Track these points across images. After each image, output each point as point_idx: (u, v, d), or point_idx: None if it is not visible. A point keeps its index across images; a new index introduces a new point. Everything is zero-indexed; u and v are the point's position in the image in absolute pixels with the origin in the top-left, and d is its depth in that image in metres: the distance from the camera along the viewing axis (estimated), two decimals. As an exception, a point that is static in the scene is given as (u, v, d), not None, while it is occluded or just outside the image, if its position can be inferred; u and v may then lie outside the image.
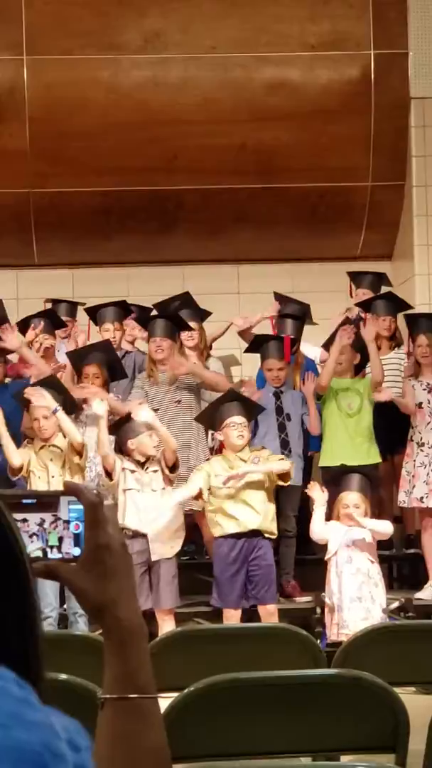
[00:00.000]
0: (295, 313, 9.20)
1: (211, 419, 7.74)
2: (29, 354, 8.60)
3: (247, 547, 7.38)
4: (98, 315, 9.12)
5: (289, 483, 7.59)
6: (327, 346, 8.70)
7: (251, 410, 7.76)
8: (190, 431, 8.14)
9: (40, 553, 1.45)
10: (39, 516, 1.46)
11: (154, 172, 10.63)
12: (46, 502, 1.46)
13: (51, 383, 7.78)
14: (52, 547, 1.45)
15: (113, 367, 8.46)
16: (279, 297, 9.58)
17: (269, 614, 7.36)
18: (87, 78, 10.56)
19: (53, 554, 1.45)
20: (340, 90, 10.71)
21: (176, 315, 8.74)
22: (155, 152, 10.57)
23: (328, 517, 7.46)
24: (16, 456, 7.44)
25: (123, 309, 9.26)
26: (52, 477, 7.40)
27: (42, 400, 7.43)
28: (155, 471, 7.41)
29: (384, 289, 9.78)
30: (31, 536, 1.47)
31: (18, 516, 1.45)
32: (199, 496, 7.45)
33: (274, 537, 7.55)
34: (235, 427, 7.48)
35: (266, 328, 9.23)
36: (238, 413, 7.54)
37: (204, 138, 10.56)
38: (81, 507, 1.43)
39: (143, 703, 1.36)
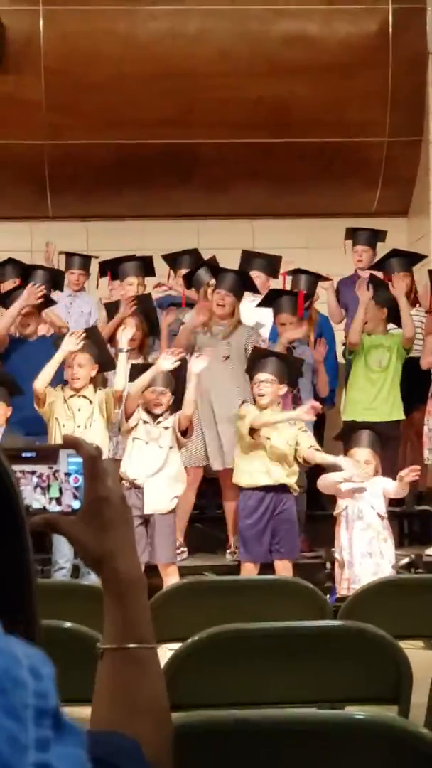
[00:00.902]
0: (264, 267, 9.16)
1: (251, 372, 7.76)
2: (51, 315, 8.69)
3: (275, 501, 7.41)
4: (120, 269, 9.07)
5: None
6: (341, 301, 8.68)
7: (289, 367, 7.65)
8: (233, 388, 8.09)
9: (39, 506, 1.47)
10: (39, 468, 1.48)
11: (170, 125, 10.59)
12: (46, 455, 1.48)
13: (91, 335, 7.72)
14: (51, 499, 1.47)
15: (151, 320, 8.48)
16: (246, 254, 9.44)
17: (285, 569, 7.40)
18: (103, 29, 10.51)
19: (53, 506, 1.47)
20: (358, 44, 10.64)
21: (246, 273, 8.63)
22: (171, 105, 10.53)
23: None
24: (42, 381, 7.32)
25: (146, 265, 9.20)
26: (78, 427, 7.35)
27: (72, 346, 7.40)
28: (166, 428, 7.38)
29: (380, 246, 9.69)
30: (35, 488, 1.49)
31: (20, 467, 1.48)
32: (253, 431, 7.39)
33: (296, 493, 7.59)
34: (258, 384, 7.47)
35: (278, 285, 9.21)
36: (263, 370, 7.50)
37: (220, 91, 10.51)
38: (80, 460, 1.45)
39: (142, 653, 1.38)
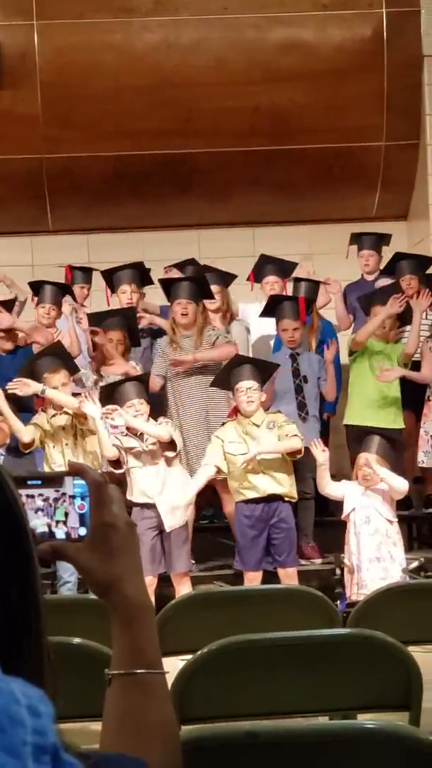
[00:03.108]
0: (281, 274, 9.19)
1: (225, 383, 7.72)
2: (24, 326, 8.66)
3: (267, 510, 7.41)
4: (115, 277, 9.05)
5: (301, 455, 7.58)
6: (366, 308, 8.64)
7: (264, 371, 7.66)
8: (211, 397, 8.12)
9: (45, 529, 1.48)
10: (44, 492, 1.49)
11: (168, 135, 10.61)
12: (51, 482, 1.49)
13: (56, 351, 7.76)
14: (57, 522, 1.49)
15: (132, 334, 8.46)
16: (264, 258, 9.47)
17: (289, 577, 7.40)
18: (98, 42, 10.53)
19: (59, 529, 1.49)
20: (353, 49, 10.66)
21: (202, 278, 8.64)
22: (168, 115, 10.55)
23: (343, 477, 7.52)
24: (24, 433, 7.37)
25: (141, 272, 9.19)
26: (66, 445, 7.40)
27: (27, 389, 7.41)
28: (154, 443, 7.38)
29: (385, 250, 9.70)
30: (36, 511, 1.50)
31: (24, 492, 1.49)
32: (217, 473, 7.44)
33: (294, 500, 7.56)
34: (244, 392, 7.44)
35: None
36: (247, 377, 7.47)
37: (217, 100, 10.53)
38: (84, 482, 1.47)
39: (150, 679, 1.39)
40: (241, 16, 10.61)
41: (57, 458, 7.38)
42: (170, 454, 7.35)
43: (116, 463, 7.37)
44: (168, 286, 8.47)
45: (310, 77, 10.60)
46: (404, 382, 8.42)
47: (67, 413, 7.47)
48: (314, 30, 10.69)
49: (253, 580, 7.38)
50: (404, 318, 8.53)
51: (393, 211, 11.07)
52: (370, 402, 8.33)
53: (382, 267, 9.42)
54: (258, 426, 7.40)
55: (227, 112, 10.56)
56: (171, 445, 7.35)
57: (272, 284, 9.11)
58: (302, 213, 10.91)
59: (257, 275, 9.28)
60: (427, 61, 10.68)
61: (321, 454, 7.32)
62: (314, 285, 8.99)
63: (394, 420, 8.30)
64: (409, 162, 10.88)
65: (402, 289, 8.58)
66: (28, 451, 7.46)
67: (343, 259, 9.59)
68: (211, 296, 8.57)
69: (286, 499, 7.45)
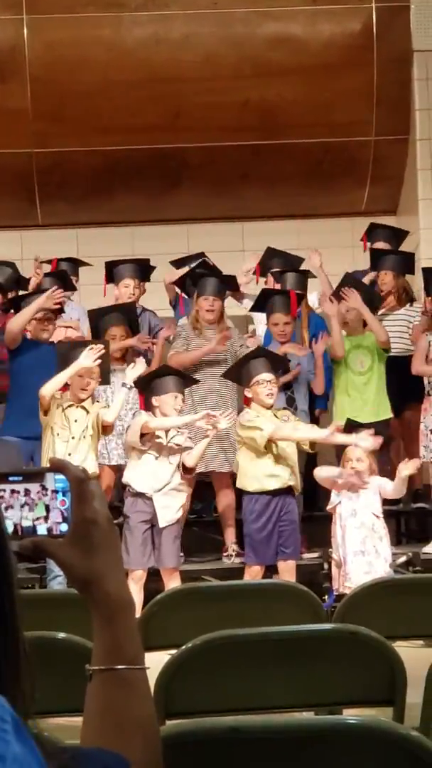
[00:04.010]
0: (281, 267, 9.19)
1: (239, 376, 7.72)
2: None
3: (281, 504, 7.45)
4: (116, 271, 9.03)
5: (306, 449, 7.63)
6: (336, 296, 8.65)
7: (276, 365, 7.69)
8: (226, 392, 8.12)
9: (28, 524, 1.49)
10: (25, 487, 1.49)
11: (157, 130, 10.61)
12: (33, 479, 1.50)
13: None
14: (38, 517, 1.49)
15: (134, 329, 8.46)
16: (271, 252, 9.50)
17: (289, 570, 7.43)
18: (88, 36, 10.52)
19: (40, 525, 1.49)
20: (343, 44, 10.67)
21: (230, 276, 8.64)
22: (158, 110, 10.55)
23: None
24: (50, 389, 7.25)
25: (143, 268, 9.18)
26: (72, 438, 7.36)
27: (133, 371, 7.46)
28: (178, 445, 7.40)
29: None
30: (20, 507, 1.51)
31: (6, 487, 1.50)
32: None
33: (298, 493, 7.62)
34: (265, 384, 7.45)
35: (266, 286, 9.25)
36: (267, 370, 7.51)
37: (207, 95, 10.53)
38: (66, 478, 1.47)
39: (131, 674, 1.39)
40: (231, 11, 10.61)
41: (60, 448, 7.31)
42: (187, 476, 7.44)
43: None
44: (193, 279, 8.50)
45: (300, 72, 10.60)
46: (391, 377, 8.44)
47: (83, 407, 7.44)
48: (304, 25, 10.68)
49: (256, 574, 7.41)
50: (372, 302, 8.54)
51: (382, 206, 11.08)
52: (352, 399, 8.34)
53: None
54: (278, 418, 7.46)
55: (217, 107, 10.56)
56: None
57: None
58: (292, 208, 10.91)
59: (263, 268, 9.30)
60: (417, 56, 10.69)
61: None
62: (303, 278, 8.99)
63: (377, 412, 8.31)
64: (399, 157, 10.88)
65: (352, 281, 8.60)
66: (44, 417, 7.37)
67: (332, 253, 9.61)
68: (237, 289, 8.61)
69: (294, 492, 7.51)
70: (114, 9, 10.56)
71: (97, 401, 7.66)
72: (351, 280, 8.66)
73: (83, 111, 10.46)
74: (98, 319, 8.40)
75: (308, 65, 10.60)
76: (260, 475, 7.44)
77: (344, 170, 10.87)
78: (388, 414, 8.40)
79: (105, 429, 7.44)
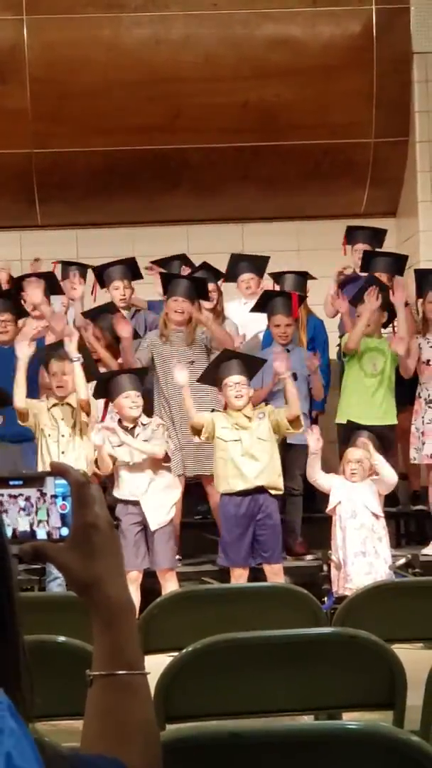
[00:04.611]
0: (249, 270, 9.18)
1: (212, 379, 7.72)
2: (47, 310, 8.60)
3: (253, 505, 7.41)
4: (106, 274, 9.03)
5: (299, 431, 7.57)
6: (354, 302, 8.63)
7: (251, 366, 7.66)
8: (197, 393, 8.10)
9: (27, 529, 1.48)
10: (26, 492, 1.49)
11: (157, 131, 10.61)
12: (33, 482, 1.49)
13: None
14: (39, 521, 1.49)
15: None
16: (236, 257, 9.48)
17: (274, 573, 7.41)
18: (88, 37, 10.52)
19: (41, 529, 1.49)
20: (342, 45, 10.66)
21: (202, 280, 8.63)
22: (157, 111, 10.54)
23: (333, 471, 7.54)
24: (21, 398, 7.35)
25: (131, 268, 9.18)
26: (62, 436, 7.40)
27: (71, 344, 7.39)
28: (145, 441, 7.39)
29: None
30: (19, 511, 1.51)
31: (6, 492, 1.49)
32: (197, 432, 7.44)
33: (280, 493, 7.57)
34: (232, 387, 7.45)
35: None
36: (236, 372, 7.49)
37: (206, 96, 10.52)
38: (66, 482, 1.47)
39: (131, 679, 1.39)
40: (231, 12, 10.61)
41: (52, 448, 7.37)
42: (164, 464, 7.41)
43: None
44: (166, 281, 8.49)
45: (300, 73, 10.59)
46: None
47: (68, 404, 7.45)
48: (303, 26, 10.68)
49: (239, 577, 7.39)
50: (390, 319, 8.53)
51: (382, 208, 11.07)
52: (361, 400, 8.33)
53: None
54: (250, 419, 7.43)
55: (216, 108, 10.55)
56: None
57: (248, 281, 9.14)
58: (291, 209, 10.91)
59: (230, 275, 9.28)
60: (417, 57, 10.69)
61: (315, 442, 7.35)
62: (302, 280, 8.98)
63: (384, 416, 8.30)
64: (398, 159, 10.88)
65: (377, 281, 8.56)
66: (24, 424, 7.42)
67: (332, 256, 9.59)
68: (207, 298, 8.58)
69: (272, 492, 7.45)
70: (114, 10, 10.56)
71: None
72: (374, 281, 8.62)
73: (83, 111, 10.46)
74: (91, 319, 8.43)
75: (308, 67, 10.60)
76: (227, 475, 7.44)
77: (344, 172, 10.86)
78: (393, 420, 8.38)
79: (85, 410, 7.45)
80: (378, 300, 8.29)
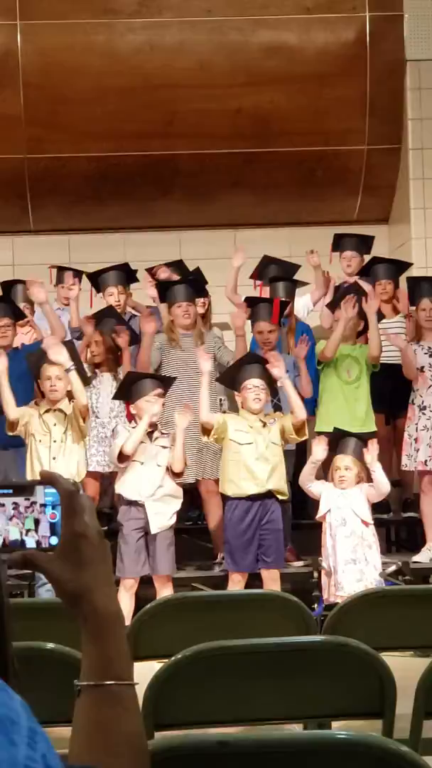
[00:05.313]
0: (283, 275, 9.20)
1: (231, 380, 7.73)
2: (51, 313, 8.59)
3: (261, 510, 7.42)
4: (101, 279, 9.04)
5: (301, 440, 7.60)
6: (331, 307, 8.66)
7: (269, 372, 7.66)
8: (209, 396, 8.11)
9: (17, 537, 1.48)
10: (15, 500, 1.49)
11: (150, 137, 10.61)
12: (22, 491, 1.49)
13: (68, 349, 7.73)
14: (28, 530, 1.49)
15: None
16: (268, 259, 9.54)
17: (273, 579, 7.40)
18: (81, 43, 10.52)
19: (29, 538, 1.48)
20: (336, 53, 10.67)
21: (198, 281, 8.65)
22: (151, 117, 10.54)
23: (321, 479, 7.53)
24: (12, 409, 7.40)
25: (126, 272, 9.19)
26: (54, 442, 7.40)
27: (60, 355, 7.39)
28: (164, 447, 7.40)
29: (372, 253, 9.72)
30: (10, 519, 1.50)
31: (-5, 499, 1.49)
32: (206, 432, 7.43)
33: (285, 498, 7.58)
34: (252, 390, 7.46)
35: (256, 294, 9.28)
36: (257, 375, 7.52)
37: (200, 102, 10.53)
38: (55, 490, 1.46)
39: (120, 690, 1.38)
40: (225, 18, 10.61)
41: (43, 454, 7.37)
42: (177, 479, 7.44)
43: (123, 457, 7.35)
44: (164, 288, 8.50)
45: (293, 80, 10.61)
46: (384, 385, 8.45)
47: (60, 410, 7.45)
48: (298, 33, 10.69)
49: (238, 582, 7.39)
50: (366, 327, 8.53)
51: (374, 215, 11.08)
52: (339, 408, 8.33)
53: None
54: (264, 424, 7.44)
55: (210, 114, 10.56)
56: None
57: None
58: (283, 216, 10.92)
59: (260, 276, 9.34)
60: (410, 65, 10.70)
61: (321, 452, 7.36)
62: (292, 286, 9.00)
63: (363, 424, 8.30)
64: (391, 166, 10.89)
65: (357, 290, 8.58)
66: (12, 433, 7.43)
67: (324, 263, 9.59)
68: (206, 294, 8.60)
69: (279, 497, 7.47)
70: (108, 15, 10.56)
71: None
72: (355, 289, 8.64)
73: (76, 117, 10.46)
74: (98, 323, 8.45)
75: (301, 73, 10.61)
76: (237, 479, 7.43)
77: (336, 179, 10.87)
78: (372, 427, 8.39)
79: (84, 417, 7.46)
80: (355, 309, 8.33)
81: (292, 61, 10.63)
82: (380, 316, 8.76)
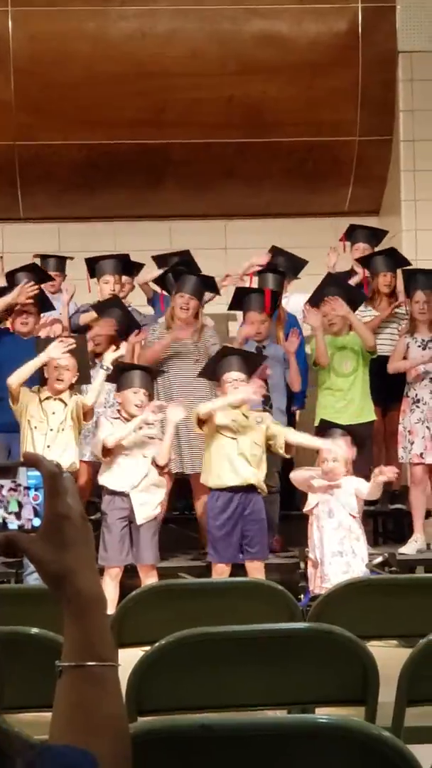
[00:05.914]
0: (284, 268, 9.18)
1: (212, 374, 7.72)
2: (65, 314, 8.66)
3: (243, 501, 7.42)
4: (97, 267, 9.01)
5: (287, 457, 7.64)
6: (312, 302, 8.65)
7: (250, 363, 7.65)
8: (203, 389, 8.11)
9: (0, 519, 1.48)
10: None
11: (142, 125, 10.59)
12: (5, 472, 1.49)
13: (79, 345, 7.70)
14: (11, 513, 1.49)
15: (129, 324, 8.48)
16: (276, 250, 9.52)
17: (257, 570, 7.40)
18: (73, 29, 10.49)
19: (12, 521, 1.48)
20: (328, 43, 10.67)
21: (209, 276, 8.62)
22: (143, 105, 10.53)
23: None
24: (17, 379, 7.34)
25: (124, 263, 9.16)
26: (51, 430, 7.38)
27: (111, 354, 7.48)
28: (151, 438, 7.41)
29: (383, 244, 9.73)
30: (-5, 502, 1.50)
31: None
32: (202, 423, 7.43)
33: (264, 494, 7.58)
34: (232, 383, 7.46)
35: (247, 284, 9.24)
36: (236, 369, 7.51)
37: (192, 91, 10.51)
38: (39, 473, 1.46)
39: (101, 671, 1.39)
40: (217, 7, 10.60)
41: (38, 440, 7.35)
42: (163, 471, 7.46)
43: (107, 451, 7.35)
44: (174, 276, 8.49)
45: (285, 70, 10.60)
46: (376, 379, 8.45)
47: (61, 400, 7.45)
48: (290, 23, 10.68)
49: (222, 572, 7.38)
50: (354, 303, 8.54)
51: (365, 206, 11.09)
52: (335, 400, 8.34)
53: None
54: (247, 417, 7.43)
55: (202, 103, 10.55)
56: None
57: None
58: (275, 206, 10.92)
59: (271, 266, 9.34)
60: (402, 56, 10.70)
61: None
62: (281, 278, 8.99)
63: (360, 414, 8.31)
64: (383, 157, 10.90)
65: (338, 283, 8.61)
66: (13, 406, 7.40)
67: (314, 253, 9.59)
68: (216, 291, 8.57)
69: (259, 491, 7.47)
70: (100, 2, 10.54)
71: (77, 394, 7.66)
72: (333, 281, 8.65)
73: (67, 104, 10.43)
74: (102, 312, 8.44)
75: (293, 63, 10.60)
76: (220, 471, 7.43)
77: (328, 170, 10.87)
78: (371, 416, 8.40)
79: (86, 415, 7.46)
80: (318, 316, 8.32)
81: (284, 50, 10.62)
82: (362, 297, 8.78)
